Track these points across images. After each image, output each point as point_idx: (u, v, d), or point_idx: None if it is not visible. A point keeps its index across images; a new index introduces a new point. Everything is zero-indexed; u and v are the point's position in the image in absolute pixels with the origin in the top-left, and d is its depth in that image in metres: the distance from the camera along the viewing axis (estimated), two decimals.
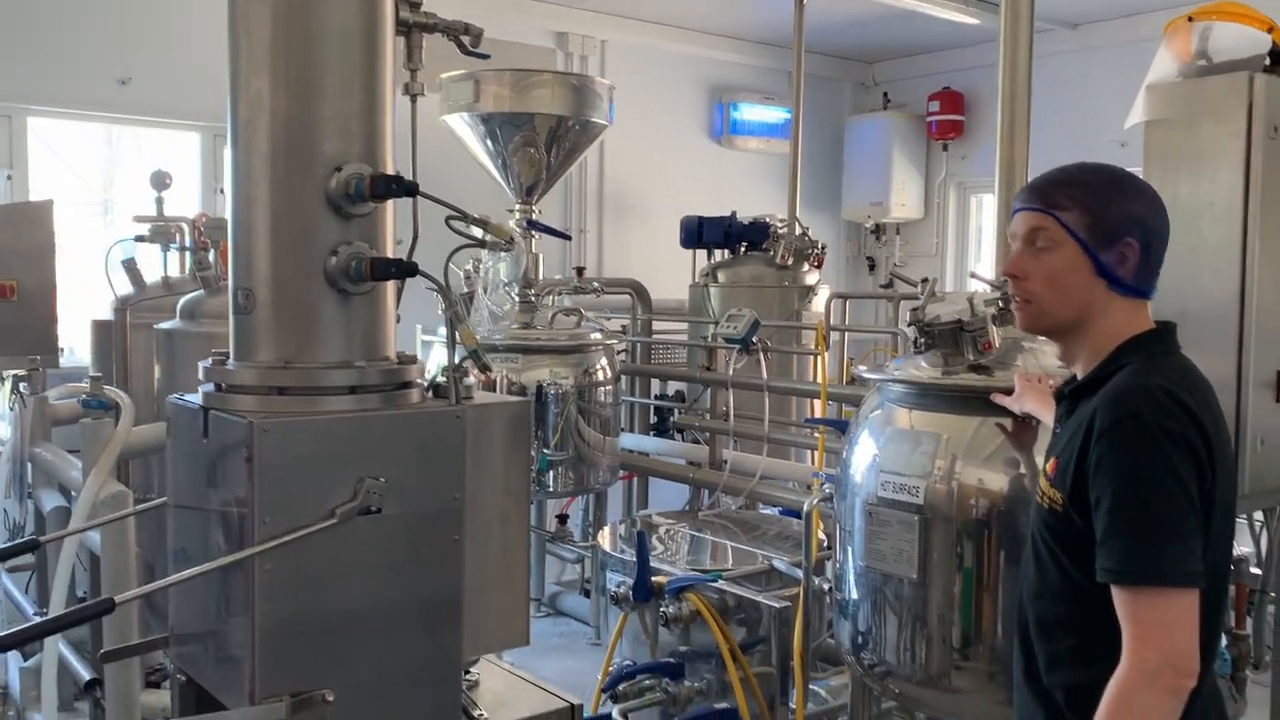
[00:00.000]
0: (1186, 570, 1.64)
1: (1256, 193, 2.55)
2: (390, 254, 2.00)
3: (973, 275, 3.24)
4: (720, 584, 3.51)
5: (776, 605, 3.38)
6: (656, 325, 6.31)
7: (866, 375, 3.61)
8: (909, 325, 3.13)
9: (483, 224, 1.91)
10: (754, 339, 4.88)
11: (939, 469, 2.98)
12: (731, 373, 5.12)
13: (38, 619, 3.69)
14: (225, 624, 1.90)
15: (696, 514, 4.89)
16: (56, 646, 2.77)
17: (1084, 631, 1.77)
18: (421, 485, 1.95)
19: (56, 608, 2.75)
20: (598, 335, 5.11)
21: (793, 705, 3.41)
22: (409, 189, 1.86)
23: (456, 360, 1.99)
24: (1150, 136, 2.73)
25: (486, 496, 2.09)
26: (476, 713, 2.11)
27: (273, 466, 1.79)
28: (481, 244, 1.98)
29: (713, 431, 5.44)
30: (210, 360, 1.95)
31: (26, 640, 1.69)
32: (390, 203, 2.02)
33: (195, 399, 2.01)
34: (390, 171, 1.95)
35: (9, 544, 1.85)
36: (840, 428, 3.99)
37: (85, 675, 3.09)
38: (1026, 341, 3.15)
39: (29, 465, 3.66)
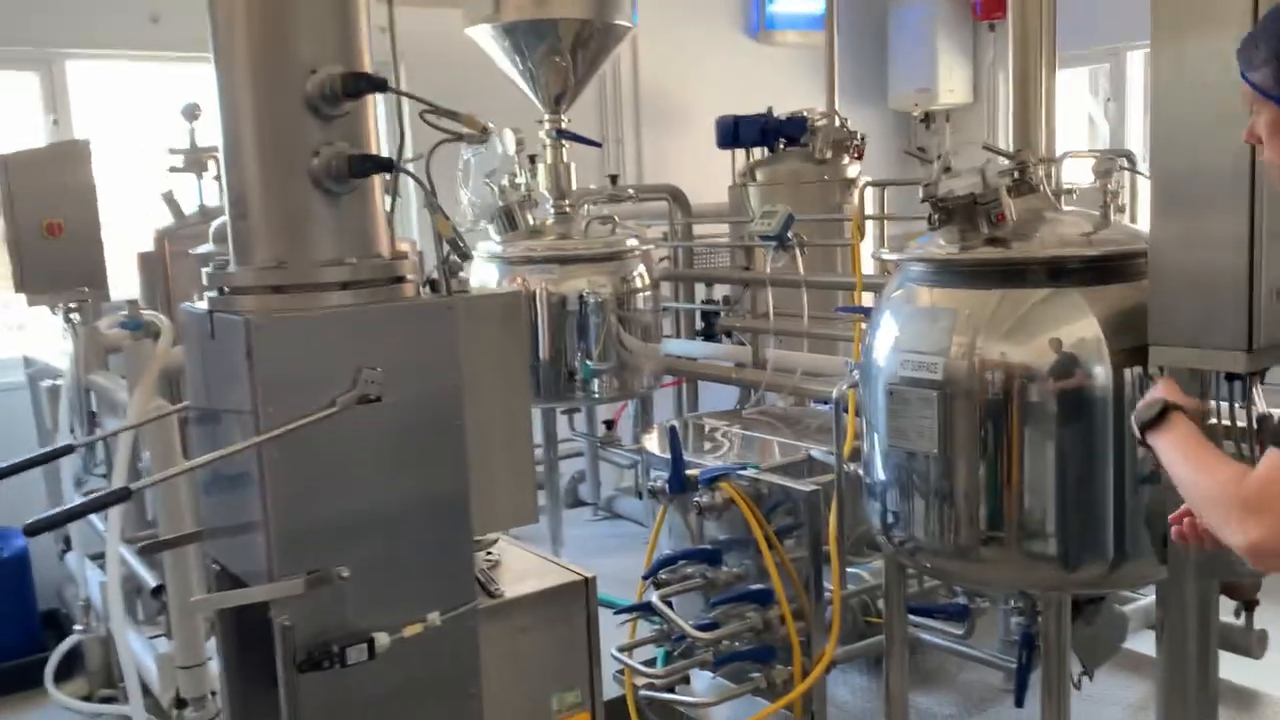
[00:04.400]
0: None
1: None
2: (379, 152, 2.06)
3: (985, 147, 3.18)
4: (750, 472, 3.57)
5: (805, 490, 3.43)
6: (699, 230, 6.30)
7: (885, 256, 3.59)
8: (922, 201, 3.10)
9: (452, 115, 1.96)
10: (789, 234, 4.85)
11: (957, 344, 2.98)
12: (769, 270, 5.12)
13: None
14: (245, 514, 2.02)
15: (741, 413, 4.95)
16: (117, 552, 2.96)
17: None
18: (419, 374, 2.03)
19: (114, 527, 2.92)
20: (634, 241, 5.14)
21: (829, 587, 3.48)
22: (378, 85, 1.90)
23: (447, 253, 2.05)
24: None
25: (486, 384, 2.17)
26: (494, 588, 2.22)
27: (271, 361, 1.88)
28: (460, 137, 2.02)
29: (754, 331, 5.46)
30: (213, 266, 2.05)
31: (49, 526, 1.83)
32: (373, 103, 2.07)
33: (205, 306, 2.12)
34: (368, 70, 2.00)
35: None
36: (869, 314, 3.99)
37: (152, 582, 3.29)
38: (1048, 212, 3.10)
39: (91, 394, 3.86)
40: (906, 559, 3.30)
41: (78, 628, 4.20)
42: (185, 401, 3.02)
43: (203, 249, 3.45)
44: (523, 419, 2.22)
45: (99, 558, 4.47)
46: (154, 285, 3.93)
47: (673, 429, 3.73)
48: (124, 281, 4.39)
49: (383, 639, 1.97)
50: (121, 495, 1.85)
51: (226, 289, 2.02)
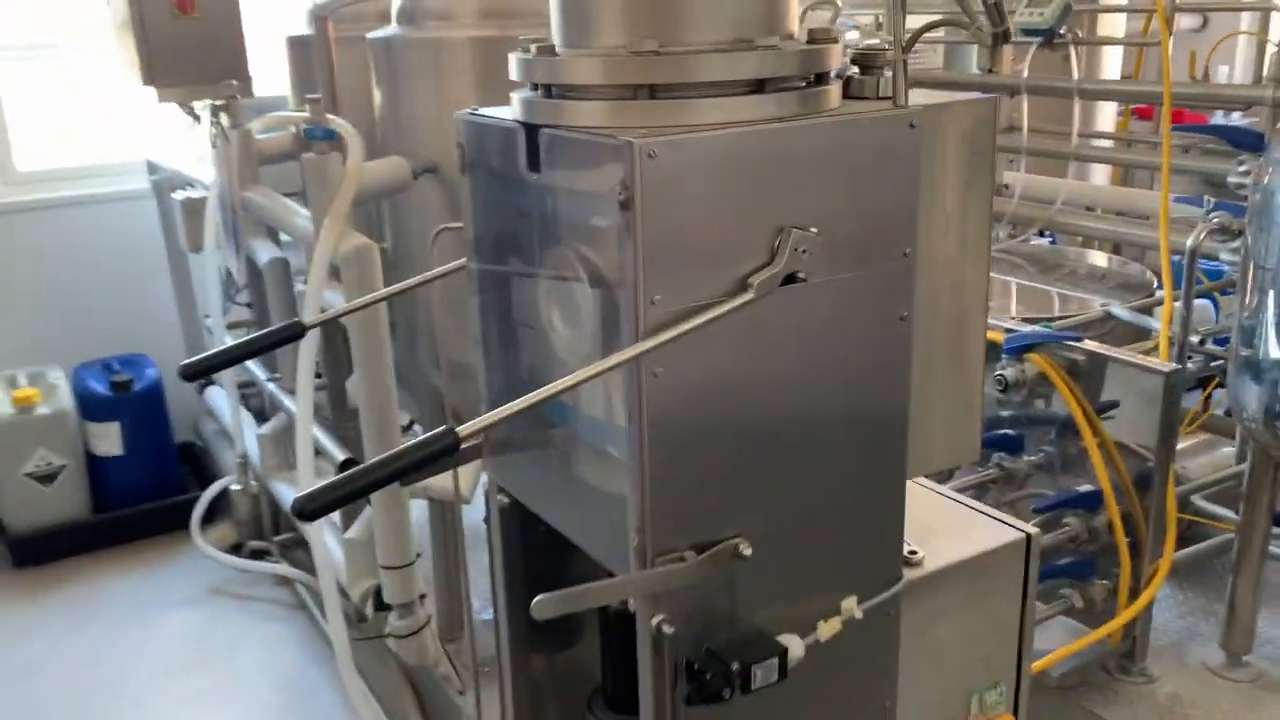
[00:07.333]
0: None
1: None
2: None
3: None
4: (1086, 344, 2.78)
5: (1165, 370, 2.64)
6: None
7: None
8: None
9: None
10: (1062, 29, 3.89)
11: None
12: (1026, 74, 4.16)
13: (275, 386, 3.33)
14: (583, 443, 1.31)
15: None
16: (309, 418, 2.32)
17: None
18: (858, 237, 1.25)
19: (305, 379, 2.28)
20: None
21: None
22: None
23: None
24: None
25: (935, 250, 1.38)
26: (911, 551, 1.51)
27: (663, 209, 1.12)
28: None
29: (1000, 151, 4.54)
30: (534, 49, 1.25)
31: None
32: None
33: (503, 113, 1.34)
34: None
35: (271, 330, 1.37)
36: (1230, 135, 3.10)
37: (339, 455, 2.68)
38: None
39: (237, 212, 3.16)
40: None
41: (236, 487, 3.67)
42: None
43: (383, 33, 2.64)
44: (979, 307, 1.45)
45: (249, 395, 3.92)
46: (308, 81, 3.15)
47: None
48: (262, 76, 3.61)
49: (796, 646, 1.28)
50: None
51: (556, 88, 1.23)
